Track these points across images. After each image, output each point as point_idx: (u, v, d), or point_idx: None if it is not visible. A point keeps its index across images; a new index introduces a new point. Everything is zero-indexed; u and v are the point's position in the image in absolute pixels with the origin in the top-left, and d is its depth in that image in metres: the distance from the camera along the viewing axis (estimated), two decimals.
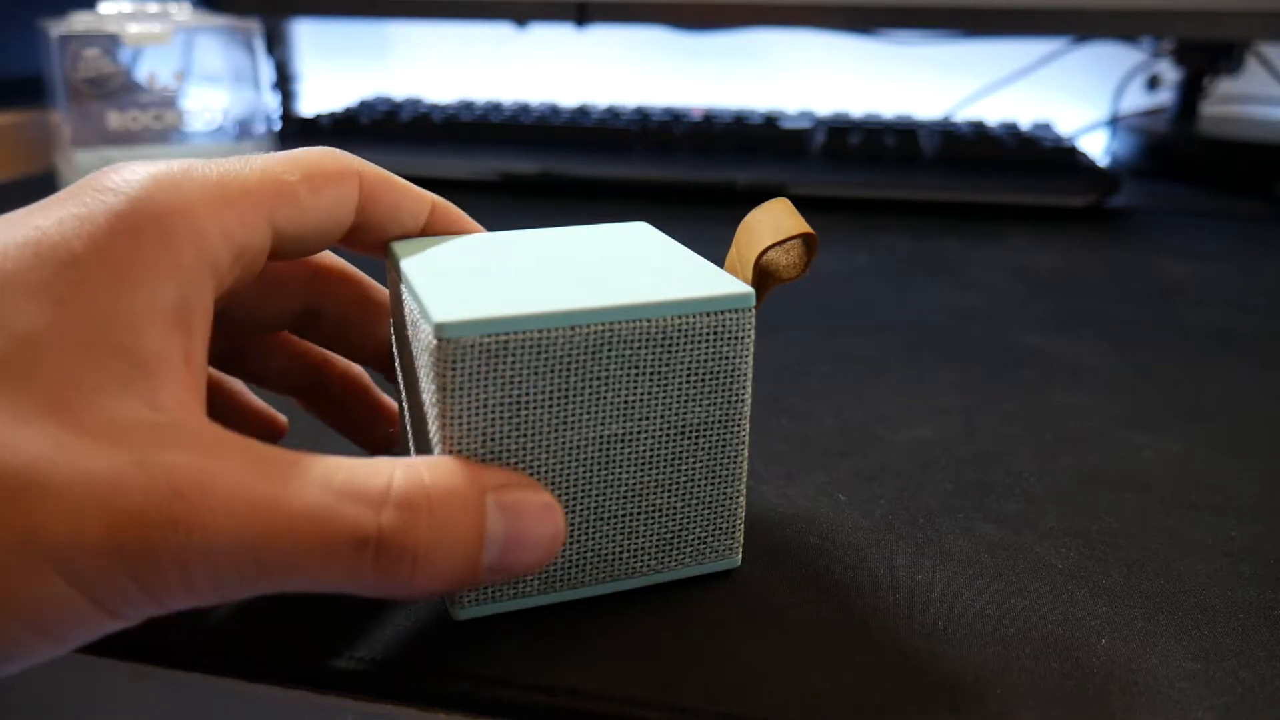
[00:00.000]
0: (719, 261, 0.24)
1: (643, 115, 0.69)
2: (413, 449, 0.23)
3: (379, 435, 0.27)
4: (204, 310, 0.19)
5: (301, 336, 0.26)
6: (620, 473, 0.21)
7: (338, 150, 0.22)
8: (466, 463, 0.19)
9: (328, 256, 0.25)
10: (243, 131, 0.52)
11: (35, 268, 0.17)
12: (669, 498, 0.22)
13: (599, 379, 0.20)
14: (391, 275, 0.23)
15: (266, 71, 0.59)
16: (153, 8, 0.51)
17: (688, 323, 0.20)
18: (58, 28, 0.47)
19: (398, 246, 0.23)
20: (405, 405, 0.23)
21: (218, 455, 0.17)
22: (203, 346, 0.19)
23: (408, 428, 0.23)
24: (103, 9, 0.51)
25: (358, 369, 0.27)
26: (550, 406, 0.20)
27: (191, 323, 0.18)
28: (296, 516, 0.17)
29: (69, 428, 0.16)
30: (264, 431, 0.27)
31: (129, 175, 0.19)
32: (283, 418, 0.27)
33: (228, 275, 0.19)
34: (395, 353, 0.24)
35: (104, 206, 0.18)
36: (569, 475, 0.20)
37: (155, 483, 0.16)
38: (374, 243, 0.23)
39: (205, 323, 0.19)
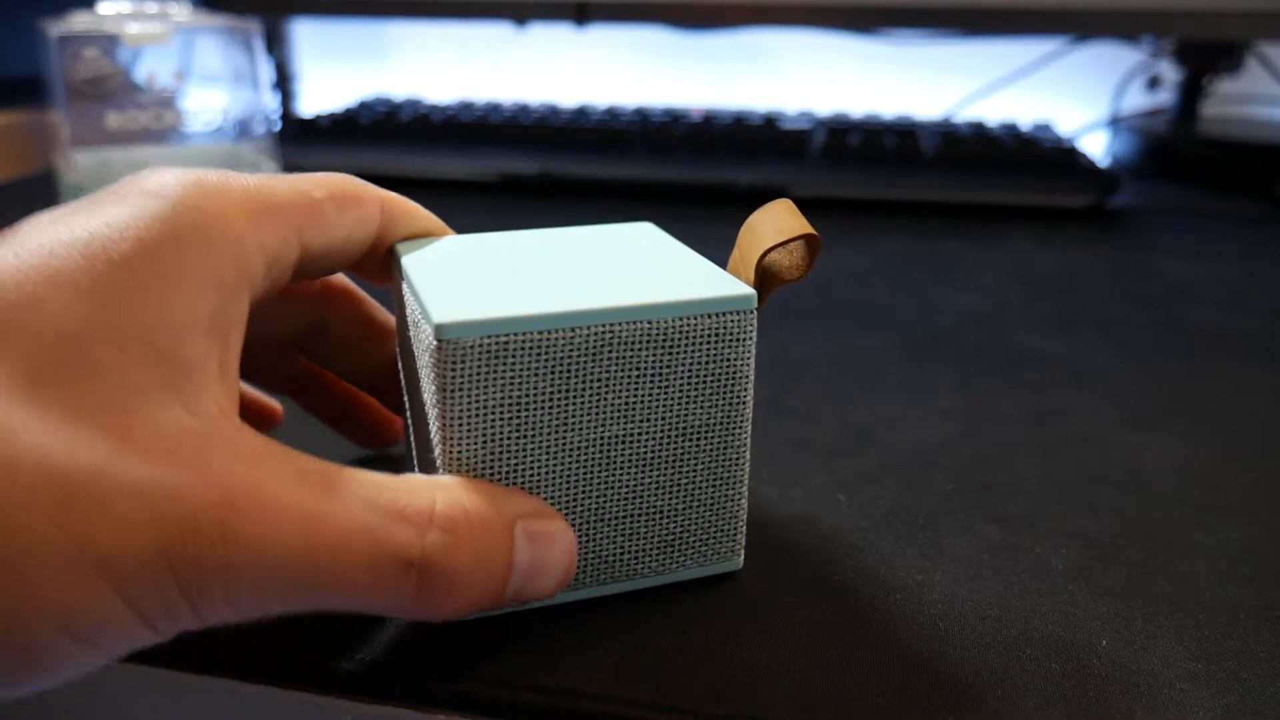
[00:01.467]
0: (720, 262, 0.24)
1: (643, 115, 0.69)
2: (415, 453, 0.23)
3: (376, 435, 0.27)
4: (240, 321, 0.19)
5: (304, 353, 0.26)
6: (621, 474, 0.21)
7: (359, 179, 0.23)
8: (495, 488, 0.19)
9: (337, 276, 0.25)
10: (242, 132, 0.52)
11: (82, 267, 0.17)
12: (670, 499, 0.22)
13: (599, 380, 0.20)
14: (395, 276, 0.23)
15: (266, 71, 0.59)
16: (152, 8, 0.51)
17: (689, 324, 0.20)
18: (57, 28, 0.47)
19: (401, 247, 0.23)
20: (409, 408, 0.23)
21: (262, 465, 0.17)
22: (236, 357, 0.19)
23: (411, 432, 0.23)
24: (102, 9, 0.51)
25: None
26: (551, 408, 0.20)
27: (229, 333, 0.18)
28: (344, 533, 0.16)
29: (119, 432, 0.16)
30: (260, 420, 0.27)
31: (172, 180, 0.19)
32: (277, 405, 0.27)
33: (260, 287, 0.20)
34: (399, 356, 0.24)
35: (150, 210, 0.18)
36: (569, 477, 0.20)
37: (205, 492, 0.16)
38: (385, 270, 0.24)
39: (240, 333, 0.19)
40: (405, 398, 0.24)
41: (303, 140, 0.65)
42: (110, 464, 0.15)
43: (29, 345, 0.16)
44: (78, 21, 0.48)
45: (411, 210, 0.24)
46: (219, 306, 0.18)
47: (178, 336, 0.17)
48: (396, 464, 0.28)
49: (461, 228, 0.26)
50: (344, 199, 0.22)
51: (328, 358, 0.26)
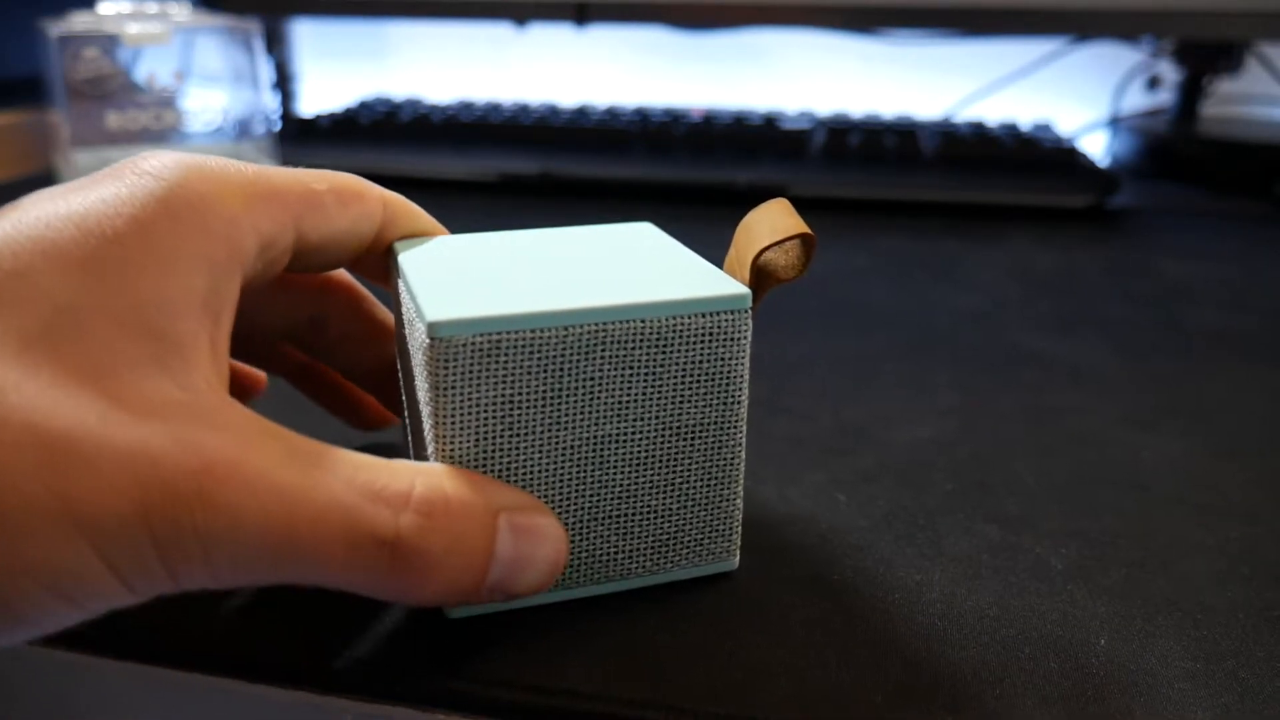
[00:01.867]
0: (719, 262, 0.24)
1: (643, 115, 0.69)
2: (411, 450, 0.23)
3: (369, 417, 0.28)
4: (231, 301, 0.19)
5: (303, 347, 0.26)
6: (614, 473, 0.21)
7: (361, 177, 0.23)
8: (483, 479, 0.19)
9: (338, 271, 0.25)
10: (242, 132, 0.52)
11: (77, 241, 0.17)
12: (664, 499, 0.22)
13: (592, 379, 0.20)
14: (393, 275, 0.23)
15: (266, 71, 0.59)
16: (152, 8, 0.51)
17: (683, 323, 0.20)
18: (57, 28, 0.47)
19: (399, 245, 0.23)
20: (406, 407, 0.23)
21: (247, 439, 0.17)
22: (227, 336, 0.19)
23: (409, 430, 0.23)
24: (102, 9, 0.51)
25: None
26: (543, 406, 0.20)
27: (220, 312, 0.19)
28: (321, 508, 0.17)
29: (107, 399, 0.16)
30: (242, 390, 0.27)
31: (170, 161, 0.19)
32: (260, 374, 0.28)
33: (252, 270, 0.20)
34: (398, 354, 0.24)
35: (145, 189, 0.18)
36: (563, 475, 0.20)
37: (187, 459, 0.16)
38: (385, 268, 0.24)
39: (231, 313, 0.19)
40: (403, 396, 0.24)
41: (303, 140, 0.65)
42: (97, 426, 0.16)
43: (22, 313, 0.16)
44: (78, 21, 0.48)
45: (413, 210, 0.24)
46: (211, 285, 0.18)
47: (170, 313, 0.17)
48: (396, 454, 0.28)
49: (461, 228, 0.26)
50: (345, 193, 0.22)
51: (327, 353, 0.26)
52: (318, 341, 0.26)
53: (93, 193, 0.18)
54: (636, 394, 0.20)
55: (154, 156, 0.19)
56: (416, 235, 0.24)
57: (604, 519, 0.21)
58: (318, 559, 0.17)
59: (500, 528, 0.19)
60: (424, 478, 0.18)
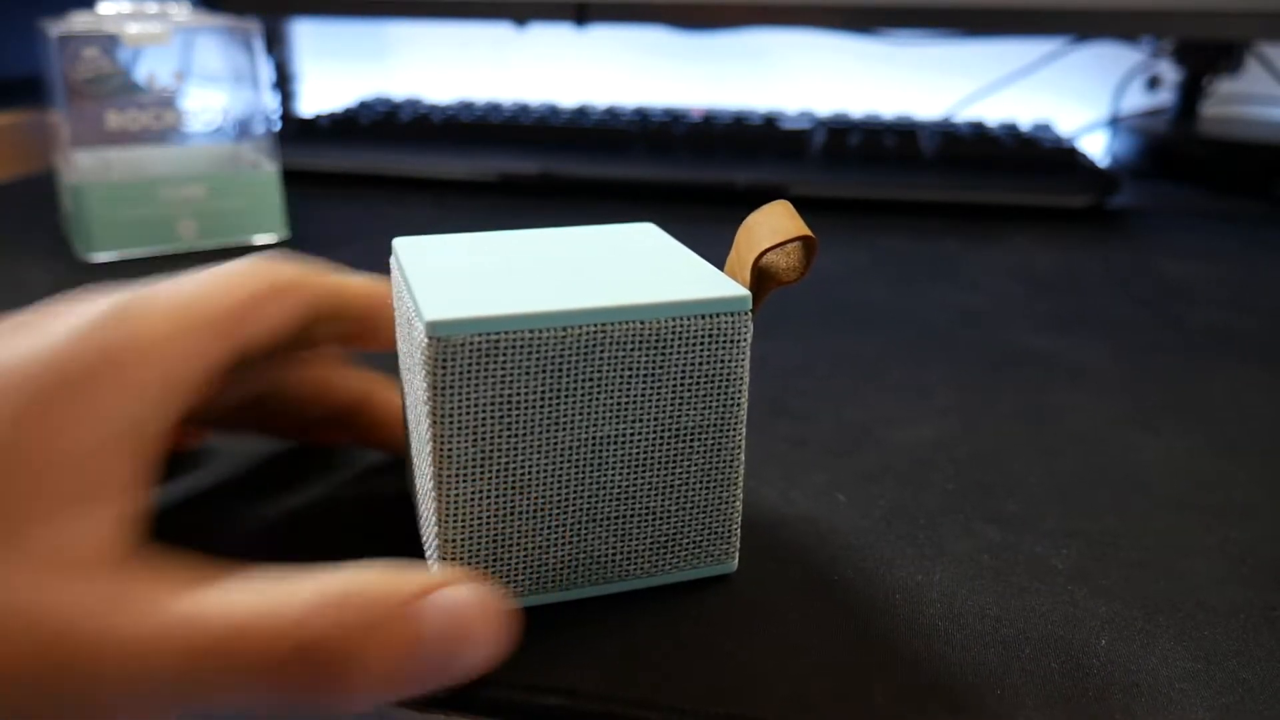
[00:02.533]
0: (719, 263, 0.23)
1: (643, 115, 0.69)
2: (411, 451, 0.23)
3: (386, 437, 0.27)
4: (159, 431, 0.19)
5: (258, 423, 0.27)
6: (613, 475, 0.21)
7: (285, 263, 0.23)
8: (400, 567, 0.18)
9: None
10: (242, 132, 0.52)
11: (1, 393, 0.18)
12: (663, 501, 0.21)
13: (591, 380, 0.20)
14: (394, 274, 0.23)
15: (266, 71, 0.59)
16: (152, 8, 0.51)
17: (682, 325, 0.20)
18: (57, 28, 0.47)
19: (400, 245, 0.23)
20: (406, 409, 0.23)
21: (134, 584, 0.17)
22: (153, 465, 0.19)
23: (410, 434, 0.23)
24: (102, 9, 0.51)
25: (356, 383, 0.27)
26: (542, 407, 0.20)
27: (145, 446, 0.19)
28: (212, 636, 0.17)
29: (4, 556, 0.16)
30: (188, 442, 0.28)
31: (105, 305, 0.19)
32: (202, 433, 0.28)
33: (193, 392, 0.20)
34: (399, 354, 0.24)
35: (71, 334, 0.19)
36: (561, 476, 0.20)
37: (56, 619, 0.16)
38: (315, 344, 0.24)
39: (159, 442, 0.19)
40: (404, 398, 0.24)
41: (303, 140, 0.65)
42: None
43: None
44: (78, 21, 0.48)
45: (339, 287, 0.23)
46: (135, 423, 0.19)
47: (86, 459, 0.18)
48: (398, 465, 0.28)
49: (461, 228, 0.26)
50: (280, 288, 0.22)
51: (282, 416, 0.27)
52: (270, 407, 0.26)
53: (17, 341, 0.19)
54: (636, 395, 0.20)
55: (90, 301, 0.20)
56: (344, 316, 0.24)
57: (603, 520, 0.21)
58: (218, 684, 0.16)
59: (424, 608, 0.18)
60: (328, 578, 0.17)
